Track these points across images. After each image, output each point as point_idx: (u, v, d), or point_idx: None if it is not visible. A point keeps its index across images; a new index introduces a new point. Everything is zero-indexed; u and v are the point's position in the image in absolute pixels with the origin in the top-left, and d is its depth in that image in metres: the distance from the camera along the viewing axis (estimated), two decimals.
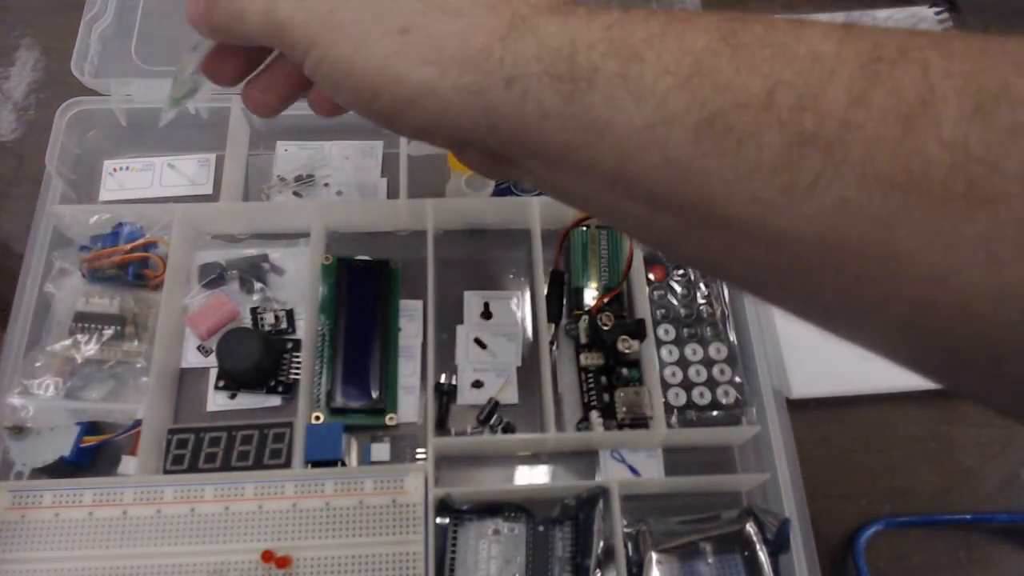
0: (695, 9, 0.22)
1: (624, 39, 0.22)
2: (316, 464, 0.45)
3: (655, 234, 0.24)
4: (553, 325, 0.50)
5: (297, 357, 0.48)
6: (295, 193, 0.55)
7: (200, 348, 0.50)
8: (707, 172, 0.20)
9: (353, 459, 0.47)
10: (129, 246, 0.50)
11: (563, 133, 0.23)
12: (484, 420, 0.48)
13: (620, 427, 0.47)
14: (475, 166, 0.28)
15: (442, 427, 0.48)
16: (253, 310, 0.50)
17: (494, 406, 0.48)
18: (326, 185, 0.56)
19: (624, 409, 0.47)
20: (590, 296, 0.51)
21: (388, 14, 0.25)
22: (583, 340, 0.49)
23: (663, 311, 0.51)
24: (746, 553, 0.42)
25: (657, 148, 0.21)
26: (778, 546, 0.42)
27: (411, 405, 0.48)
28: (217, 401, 0.48)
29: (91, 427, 0.46)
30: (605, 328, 0.48)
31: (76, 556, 0.40)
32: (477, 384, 0.49)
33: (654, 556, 0.42)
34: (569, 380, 0.49)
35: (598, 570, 0.41)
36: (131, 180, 0.56)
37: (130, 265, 0.49)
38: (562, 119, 0.22)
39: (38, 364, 0.46)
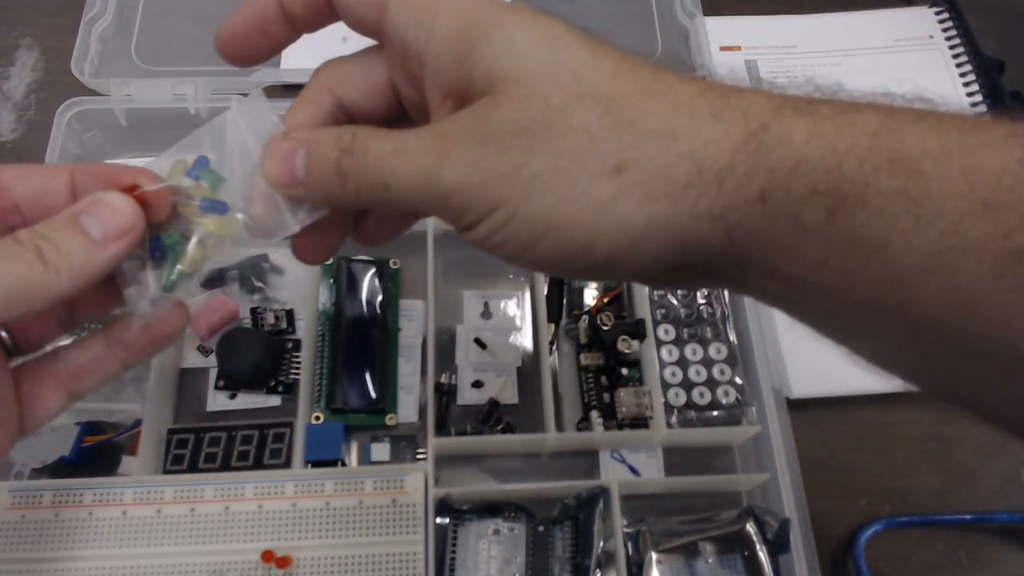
0: (956, 110, 0.21)
1: (898, 150, 0.20)
2: (316, 464, 0.44)
3: (903, 358, 0.22)
4: (553, 325, 0.50)
5: (297, 357, 0.48)
6: None
7: (200, 348, 0.50)
8: (1007, 308, 0.18)
9: (353, 459, 0.47)
10: None
11: (820, 250, 0.20)
12: (484, 420, 0.48)
13: (620, 427, 0.47)
14: (662, 279, 0.25)
15: (442, 427, 0.48)
16: (253, 310, 0.50)
17: (494, 406, 0.48)
18: None
19: (624, 409, 0.47)
20: (590, 296, 0.51)
21: (594, 155, 0.22)
22: (583, 340, 0.49)
23: (663, 311, 0.51)
24: (746, 553, 0.42)
25: (942, 276, 0.19)
26: (778, 546, 0.42)
27: (411, 405, 0.48)
28: (217, 401, 0.48)
29: (91, 427, 0.46)
30: (605, 328, 0.48)
31: (76, 556, 0.40)
32: (477, 384, 0.49)
33: (654, 556, 0.42)
34: (569, 380, 0.49)
35: (598, 570, 0.41)
36: None
37: None
38: (824, 235, 0.20)
39: None
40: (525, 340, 0.51)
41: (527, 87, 0.22)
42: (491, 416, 0.48)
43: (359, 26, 0.26)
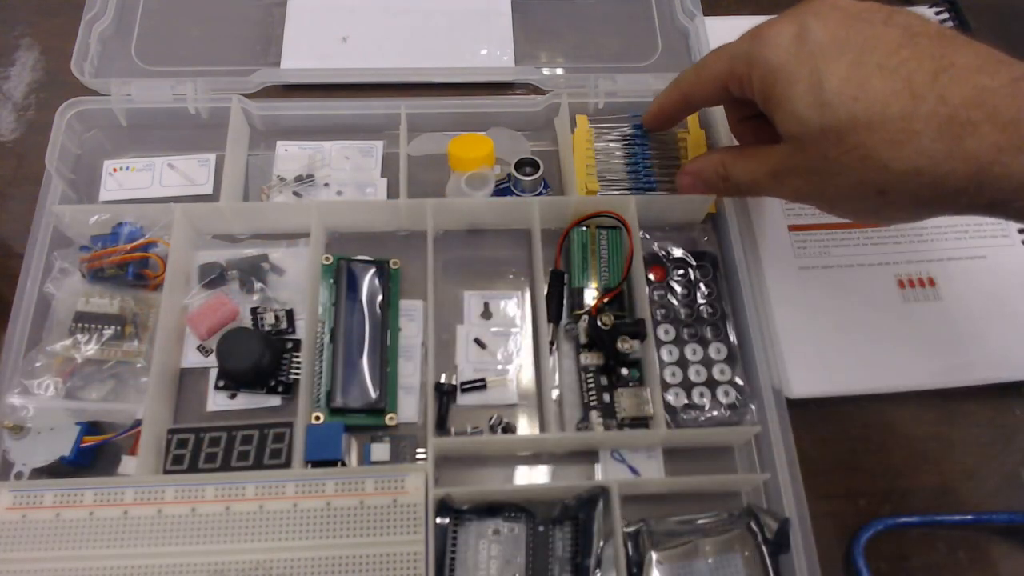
0: None
1: None
2: (316, 464, 0.44)
3: None
4: (553, 325, 0.50)
5: (297, 357, 0.48)
6: (295, 193, 0.55)
7: (200, 348, 0.50)
8: None
9: (353, 459, 0.47)
10: (129, 246, 0.50)
11: None
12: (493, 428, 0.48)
13: (620, 427, 0.47)
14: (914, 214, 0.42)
15: (442, 427, 0.48)
16: (253, 310, 0.50)
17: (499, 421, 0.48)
18: (326, 185, 0.56)
19: (624, 409, 0.47)
20: (590, 296, 0.51)
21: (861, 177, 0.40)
22: (583, 340, 0.49)
23: (663, 311, 0.51)
24: (746, 553, 0.42)
25: None
26: (778, 546, 0.42)
27: (411, 405, 0.48)
28: (217, 401, 0.48)
29: (91, 427, 0.46)
30: (605, 328, 0.48)
31: (77, 556, 0.40)
32: (477, 384, 0.49)
33: (654, 556, 0.42)
34: (569, 380, 0.49)
35: (598, 570, 0.41)
36: (131, 180, 0.56)
37: (130, 265, 0.49)
38: None
39: (38, 364, 0.46)
40: (525, 340, 0.51)
41: (813, 146, 0.40)
42: (498, 427, 0.48)
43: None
